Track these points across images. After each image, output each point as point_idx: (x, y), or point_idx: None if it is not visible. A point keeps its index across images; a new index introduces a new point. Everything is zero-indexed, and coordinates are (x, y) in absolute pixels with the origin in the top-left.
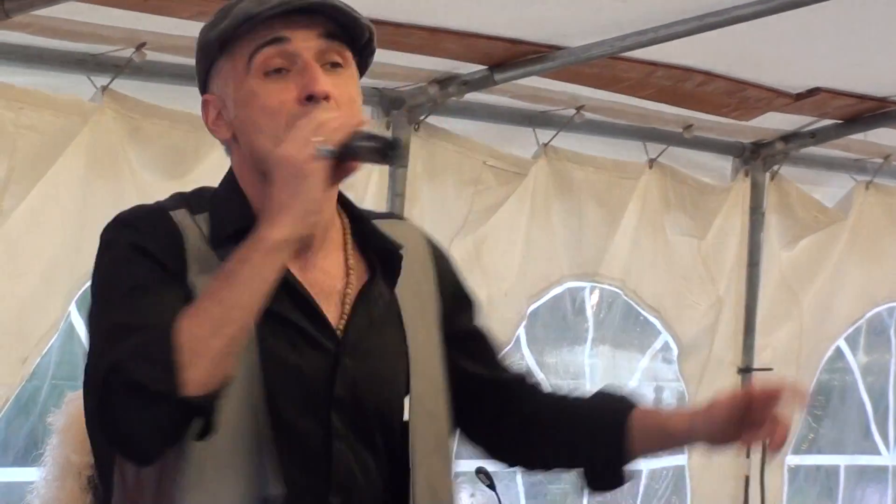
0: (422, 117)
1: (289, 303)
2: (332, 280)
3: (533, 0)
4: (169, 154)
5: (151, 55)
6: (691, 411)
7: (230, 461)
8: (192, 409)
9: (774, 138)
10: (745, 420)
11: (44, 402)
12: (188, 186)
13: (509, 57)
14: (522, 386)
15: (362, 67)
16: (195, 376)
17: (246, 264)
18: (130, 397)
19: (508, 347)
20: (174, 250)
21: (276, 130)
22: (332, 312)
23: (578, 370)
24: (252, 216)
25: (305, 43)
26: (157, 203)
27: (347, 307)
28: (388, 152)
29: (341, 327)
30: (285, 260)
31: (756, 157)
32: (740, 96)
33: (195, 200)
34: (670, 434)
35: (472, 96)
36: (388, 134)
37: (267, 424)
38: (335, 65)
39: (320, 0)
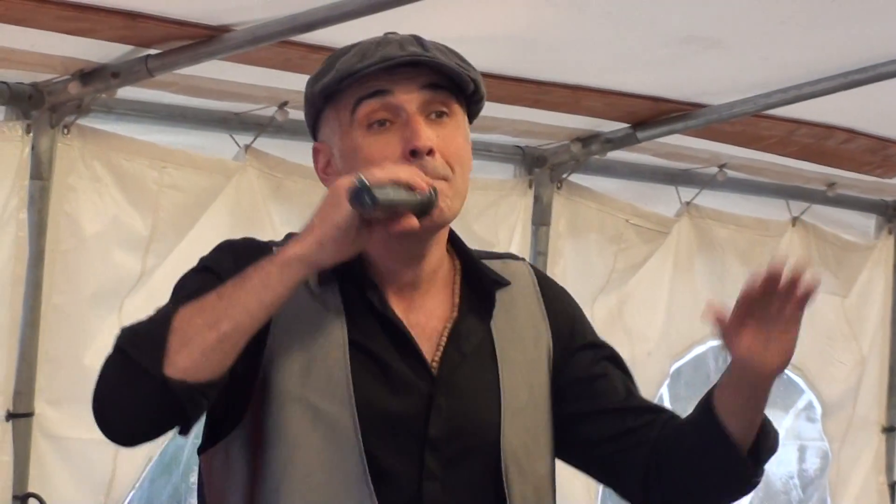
0: (564, 175)
1: (390, 344)
2: (435, 320)
3: (675, 58)
4: (311, 212)
5: (294, 113)
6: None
7: (325, 499)
8: (171, 394)
9: None
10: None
11: (186, 461)
12: None
13: (651, 115)
14: (654, 415)
15: (472, 114)
16: (180, 361)
17: (258, 271)
18: (121, 368)
19: None
20: None
21: None
22: (430, 349)
23: None
24: (358, 258)
25: (408, 95)
26: (269, 241)
27: (441, 345)
28: (421, 212)
29: (435, 365)
30: (297, 277)
31: None
32: (883, 154)
33: None
34: (738, 377)
35: (615, 154)
36: (426, 196)
37: (360, 463)
38: (440, 114)
39: (421, 56)
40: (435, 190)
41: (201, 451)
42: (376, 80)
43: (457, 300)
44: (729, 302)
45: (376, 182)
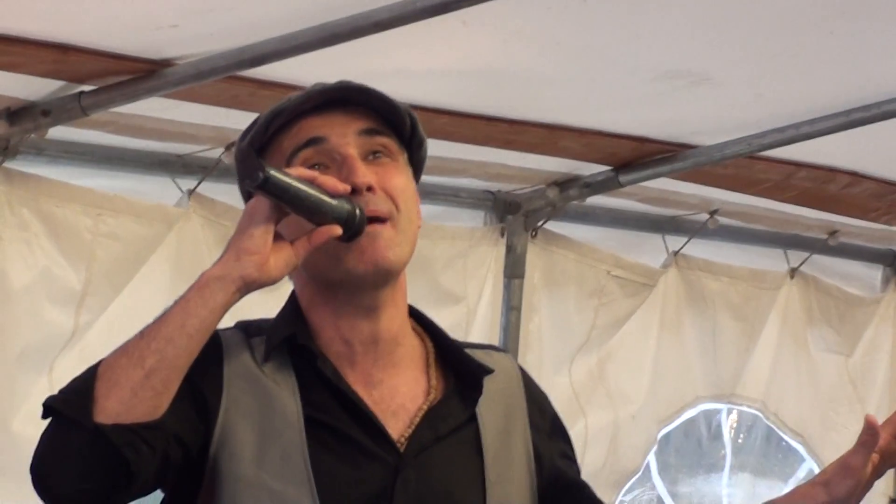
0: (540, 223)
1: (347, 418)
2: (401, 398)
3: (661, 95)
4: None
5: None
6: (820, 477)
7: None
8: (105, 440)
9: None
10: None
11: None
12: (279, 297)
13: (636, 157)
14: None
15: (416, 164)
16: (110, 405)
17: (179, 300)
18: (53, 428)
19: (637, 476)
20: (209, 365)
21: None
22: (398, 428)
23: (716, 501)
24: (302, 325)
25: (343, 139)
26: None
27: (415, 423)
28: (345, 225)
29: (403, 442)
30: (218, 297)
31: None
32: (891, 199)
33: (255, 325)
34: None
35: (595, 200)
36: (354, 209)
37: None
38: (378, 153)
39: (349, 85)
40: (360, 208)
41: None
42: (309, 128)
43: (434, 382)
44: (720, 359)
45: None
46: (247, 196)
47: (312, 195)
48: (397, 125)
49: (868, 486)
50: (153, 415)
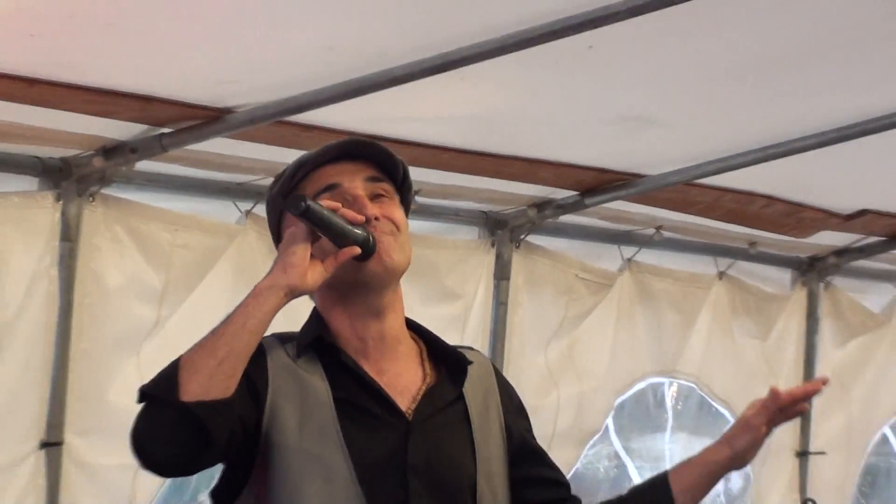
0: (522, 236)
1: (367, 397)
2: (404, 381)
3: (617, 135)
4: None
5: None
6: (725, 435)
7: None
8: (190, 414)
9: (828, 253)
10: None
11: (195, 483)
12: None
13: (598, 184)
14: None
15: (406, 204)
16: (192, 387)
17: (239, 307)
18: (146, 408)
19: (599, 435)
20: (257, 362)
21: None
22: (405, 403)
23: (659, 454)
24: (325, 329)
25: (353, 184)
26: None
27: (418, 399)
28: (362, 249)
29: (410, 413)
30: (271, 302)
31: (812, 269)
32: (798, 217)
33: (286, 335)
34: (713, 461)
35: (566, 218)
36: (368, 236)
37: (357, 496)
38: (379, 196)
39: (356, 140)
40: (372, 236)
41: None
42: (327, 176)
43: (428, 371)
44: (664, 343)
45: (317, 204)
46: (276, 232)
47: (339, 222)
48: (393, 173)
49: (761, 442)
50: (226, 394)
